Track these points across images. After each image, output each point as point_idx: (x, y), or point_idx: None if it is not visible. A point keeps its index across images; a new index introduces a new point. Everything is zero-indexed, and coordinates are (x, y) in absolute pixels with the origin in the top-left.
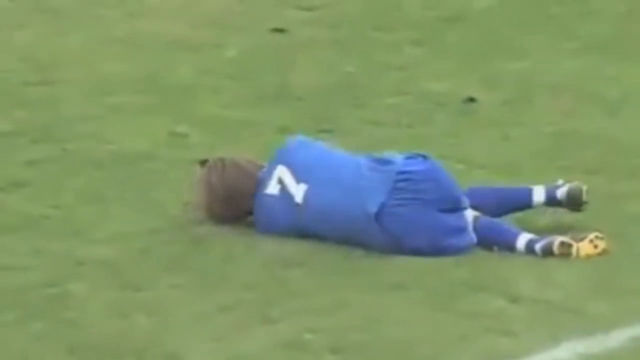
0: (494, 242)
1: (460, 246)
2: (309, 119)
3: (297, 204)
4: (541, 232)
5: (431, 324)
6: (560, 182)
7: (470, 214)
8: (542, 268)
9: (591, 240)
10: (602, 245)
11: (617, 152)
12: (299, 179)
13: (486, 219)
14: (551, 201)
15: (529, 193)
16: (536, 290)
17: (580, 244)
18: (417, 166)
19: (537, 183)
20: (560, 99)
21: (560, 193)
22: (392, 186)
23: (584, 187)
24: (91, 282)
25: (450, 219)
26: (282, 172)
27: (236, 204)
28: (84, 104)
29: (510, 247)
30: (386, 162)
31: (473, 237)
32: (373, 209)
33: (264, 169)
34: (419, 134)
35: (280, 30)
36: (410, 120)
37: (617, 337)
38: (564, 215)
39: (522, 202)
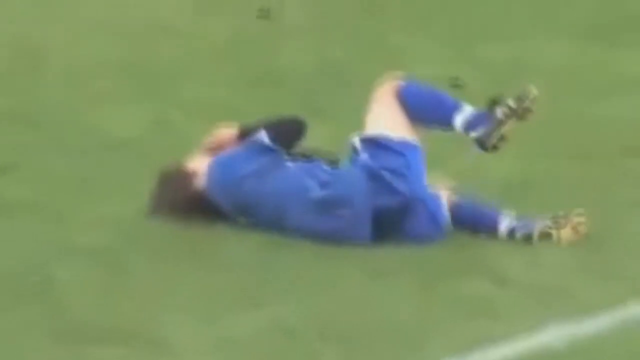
0: (475, 226)
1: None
2: (296, 104)
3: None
4: (526, 214)
5: (418, 308)
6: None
7: (445, 195)
8: (529, 251)
9: (573, 227)
10: (583, 229)
11: (604, 137)
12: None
13: (465, 203)
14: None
15: (450, 116)
16: (523, 273)
17: (562, 232)
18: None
19: (522, 167)
20: (546, 83)
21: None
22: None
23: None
24: (76, 268)
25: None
26: (244, 219)
27: (200, 206)
28: (69, 90)
29: (492, 232)
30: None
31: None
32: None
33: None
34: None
35: (266, 15)
36: None
37: (605, 320)
38: (550, 199)
39: (444, 122)
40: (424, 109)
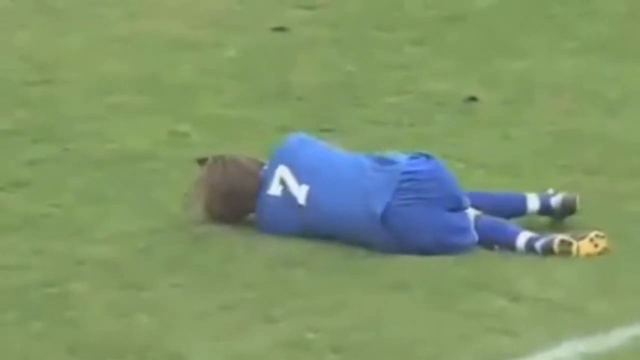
0: (495, 240)
1: (463, 244)
2: (309, 118)
3: (300, 205)
4: (541, 230)
5: (432, 323)
6: (550, 191)
7: (471, 212)
8: (543, 267)
9: (591, 239)
10: (602, 244)
11: (617, 152)
12: (300, 180)
13: (487, 218)
14: (545, 209)
15: (523, 200)
16: (537, 289)
17: (581, 243)
18: (421, 166)
19: (538, 183)
20: (560, 98)
21: (555, 202)
22: (397, 186)
23: (578, 197)
24: (92, 282)
25: (454, 217)
26: (283, 172)
27: (237, 203)
28: (84, 104)
29: (511, 246)
30: (390, 162)
31: (475, 236)
32: (379, 209)
33: (265, 167)
34: (420, 134)
35: (280, 30)
36: (410, 119)
37: (618, 337)
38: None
39: (517, 209)
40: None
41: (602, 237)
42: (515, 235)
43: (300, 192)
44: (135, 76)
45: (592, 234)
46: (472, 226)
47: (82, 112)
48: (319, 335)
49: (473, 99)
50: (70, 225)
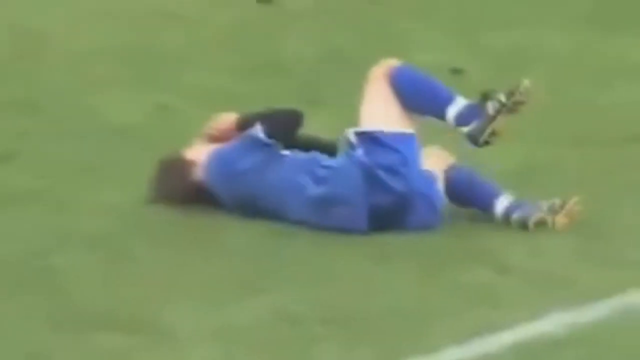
0: (470, 201)
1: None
2: (298, 91)
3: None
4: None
5: (419, 295)
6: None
7: (440, 168)
8: (530, 238)
9: (567, 213)
10: (577, 216)
11: (605, 123)
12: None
13: (463, 175)
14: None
15: (444, 107)
16: (524, 261)
17: (557, 218)
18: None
19: (523, 152)
20: (547, 70)
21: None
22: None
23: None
24: (79, 255)
25: None
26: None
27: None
28: (70, 76)
29: (488, 209)
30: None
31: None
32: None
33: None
34: None
35: (267, 2)
36: None
37: (605, 307)
38: (551, 186)
39: (437, 112)
40: (417, 99)
41: (577, 207)
42: (492, 200)
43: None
44: (121, 49)
45: (570, 206)
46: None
47: (68, 84)
48: (307, 307)
49: (458, 70)
50: (55, 198)
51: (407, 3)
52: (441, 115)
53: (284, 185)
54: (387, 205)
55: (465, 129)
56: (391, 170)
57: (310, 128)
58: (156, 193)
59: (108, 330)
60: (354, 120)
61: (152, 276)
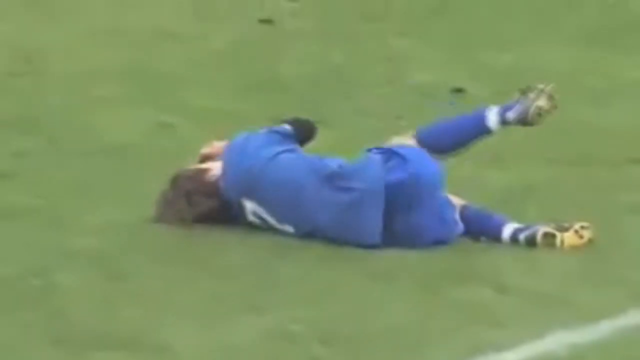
0: (481, 231)
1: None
2: (297, 110)
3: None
4: (527, 221)
5: (419, 314)
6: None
7: (458, 204)
8: (530, 258)
9: (576, 231)
10: (587, 235)
11: (605, 143)
12: (280, 220)
13: (473, 209)
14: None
15: (482, 119)
16: (524, 280)
17: (565, 235)
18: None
19: (524, 172)
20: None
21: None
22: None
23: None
24: (78, 273)
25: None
26: (255, 208)
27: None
28: (70, 95)
29: (496, 237)
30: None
31: (461, 227)
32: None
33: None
34: (407, 125)
35: (267, 21)
36: (399, 111)
37: (605, 328)
38: (551, 206)
39: (478, 131)
40: (450, 134)
41: (587, 228)
42: (500, 226)
43: (285, 227)
44: (121, 67)
45: (577, 226)
46: (455, 217)
47: (68, 103)
48: (305, 325)
49: (460, 90)
50: (56, 216)
51: (406, 22)
52: (483, 125)
53: (304, 165)
54: (402, 181)
55: (511, 115)
56: (403, 158)
57: (310, 145)
58: (165, 210)
59: (107, 349)
60: (354, 136)
61: (151, 294)
